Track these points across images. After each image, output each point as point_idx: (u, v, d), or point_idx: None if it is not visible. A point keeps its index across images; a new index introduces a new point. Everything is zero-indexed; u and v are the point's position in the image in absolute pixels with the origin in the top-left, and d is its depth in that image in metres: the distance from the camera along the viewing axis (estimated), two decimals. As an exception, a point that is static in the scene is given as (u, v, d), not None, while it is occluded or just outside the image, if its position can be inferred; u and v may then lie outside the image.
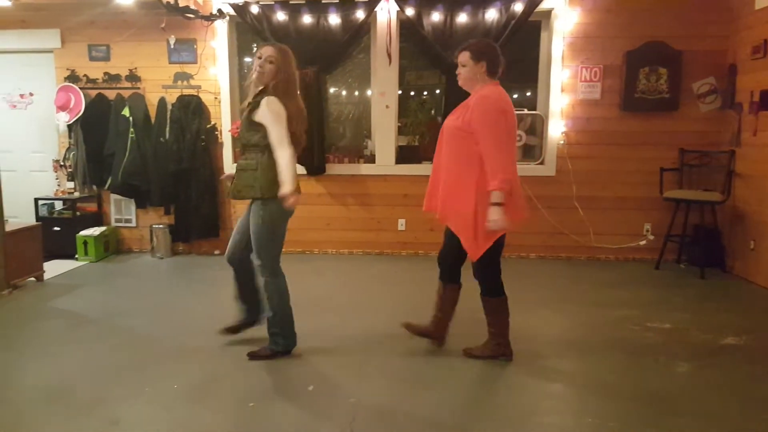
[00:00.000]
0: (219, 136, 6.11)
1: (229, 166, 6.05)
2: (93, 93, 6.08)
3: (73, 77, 6.10)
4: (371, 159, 6.13)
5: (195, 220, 6.04)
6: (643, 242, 5.90)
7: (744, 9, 5.34)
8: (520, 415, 2.75)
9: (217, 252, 6.17)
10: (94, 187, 6.25)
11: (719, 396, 2.97)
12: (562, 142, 5.84)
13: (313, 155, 5.87)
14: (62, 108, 5.95)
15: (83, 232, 5.93)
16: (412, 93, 6.29)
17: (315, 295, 4.71)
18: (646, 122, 5.75)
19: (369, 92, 6.21)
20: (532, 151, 6.00)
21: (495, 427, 2.64)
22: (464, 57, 3.16)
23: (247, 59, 6.24)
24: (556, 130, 5.83)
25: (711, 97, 5.66)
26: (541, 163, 5.94)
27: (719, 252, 5.54)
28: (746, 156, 5.27)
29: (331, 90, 6.28)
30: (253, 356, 3.39)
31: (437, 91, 6.24)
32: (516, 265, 5.76)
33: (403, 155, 6.09)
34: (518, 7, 5.53)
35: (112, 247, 6.24)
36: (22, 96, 6.40)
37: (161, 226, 6.11)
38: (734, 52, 5.49)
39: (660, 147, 5.75)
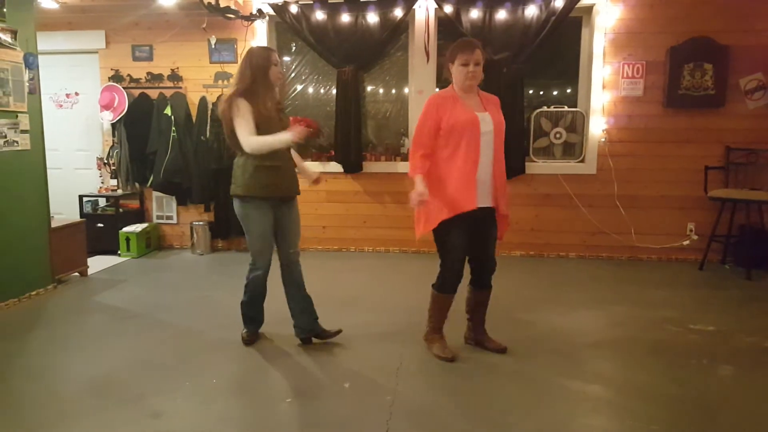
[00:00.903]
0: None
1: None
2: (136, 92, 6.23)
3: (117, 77, 6.26)
4: (408, 157, 6.10)
5: (234, 218, 6.07)
6: (686, 242, 5.75)
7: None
8: (561, 417, 2.70)
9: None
10: (137, 184, 6.39)
11: (764, 401, 2.87)
12: (603, 139, 5.73)
13: (350, 153, 5.90)
14: (106, 107, 6.11)
15: (126, 229, 6.07)
16: (450, 91, 6.25)
17: (351, 292, 4.73)
18: (691, 119, 5.60)
19: (406, 90, 6.19)
20: (572, 149, 5.90)
21: (535, 428, 2.60)
22: (480, 56, 3.10)
23: (286, 58, 6.30)
24: (597, 127, 5.73)
25: (759, 93, 5.48)
26: (582, 161, 5.85)
27: (767, 253, 5.36)
28: (797, 154, 5.11)
29: (369, 88, 6.28)
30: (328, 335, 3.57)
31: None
32: (555, 264, 5.69)
33: (440, 153, 6.04)
34: (559, 3, 5.45)
35: (154, 243, 6.38)
36: (68, 95, 6.60)
37: (201, 223, 6.22)
38: (784, 47, 5.31)
39: (705, 145, 5.59)
